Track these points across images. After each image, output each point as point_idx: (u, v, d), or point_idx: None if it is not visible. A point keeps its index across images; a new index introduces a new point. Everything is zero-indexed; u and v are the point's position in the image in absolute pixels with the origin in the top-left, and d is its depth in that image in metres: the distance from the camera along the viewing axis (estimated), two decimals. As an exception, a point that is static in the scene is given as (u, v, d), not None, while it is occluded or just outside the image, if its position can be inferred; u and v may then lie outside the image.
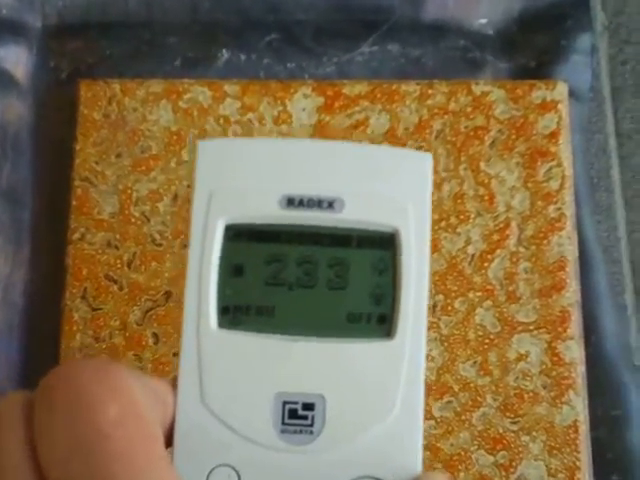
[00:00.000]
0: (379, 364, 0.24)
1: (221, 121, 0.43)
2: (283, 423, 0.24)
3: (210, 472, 0.24)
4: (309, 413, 0.24)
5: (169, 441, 0.24)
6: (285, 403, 0.24)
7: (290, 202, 0.25)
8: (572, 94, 0.43)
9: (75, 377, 0.21)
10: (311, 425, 0.24)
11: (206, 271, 0.25)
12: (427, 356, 0.39)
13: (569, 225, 0.40)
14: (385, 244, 0.25)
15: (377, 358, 0.24)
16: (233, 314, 0.25)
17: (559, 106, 0.41)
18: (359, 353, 0.24)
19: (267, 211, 0.25)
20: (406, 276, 0.25)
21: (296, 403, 0.24)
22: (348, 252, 0.25)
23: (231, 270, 0.25)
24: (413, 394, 0.24)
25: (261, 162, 0.25)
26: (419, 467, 0.24)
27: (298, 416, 0.24)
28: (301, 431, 0.24)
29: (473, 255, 0.40)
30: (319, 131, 0.42)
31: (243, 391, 0.24)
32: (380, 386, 0.24)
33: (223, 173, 0.25)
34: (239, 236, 0.25)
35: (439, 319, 0.40)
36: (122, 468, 0.19)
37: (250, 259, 0.25)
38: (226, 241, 0.25)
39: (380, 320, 0.25)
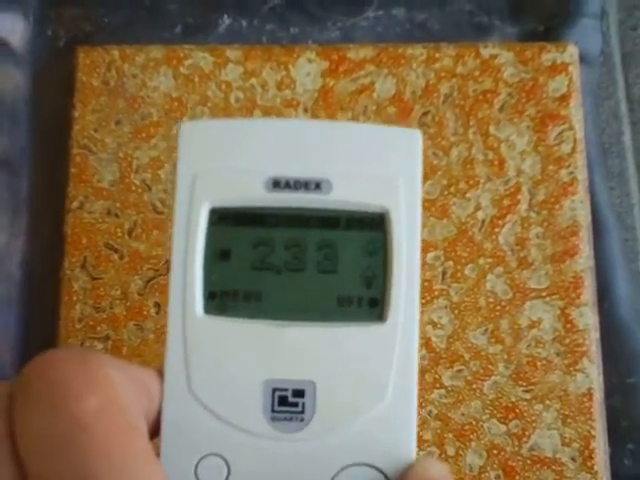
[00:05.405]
0: (371, 348, 0.24)
1: (223, 87, 0.42)
2: (273, 410, 0.23)
3: (199, 462, 0.23)
4: (299, 400, 0.23)
5: (156, 432, 0.23)
6: (275, 390, 0.23)
7: (276, 184, 0.24)
8: (582, 59, 0.42)
9: (53, 368, 0.20)
10: (302, 412, 0.23)
11: (191, 256, 0.24)
12: (437, 324, 0.38)
13: (581, 189, 0.39)
14: (375, 225, 0.24)
15: (368, 342, 0.24)
16: (220, 300, 0.24)
17: (570, 68, 0.40)
18: (350, 337, 0.24)
19: (253, 194, 0.24)
20: (397, 257, 0.24)
21: (286, 390, 0.23)
22: (337, 234, 0.24)
23: (217, 255, 0.24)
24: (406, 379, 0.24)
25: (245, 143, 0.24)
26: (413, 453, 0.24)
27: (288, 403, 0.23)
28: (291, 418, 0.23)
29: (483, 221, 0.39)
30: (323, 96, 0.41)
31: (231, 379, 0.23)
32: (372, 371, 0.24)
33: (206, 155, 0.24)
34: (224, 220, 0.24)
35: (449, 286, 0.39)
36: (101, 461, 0.19)
37: (236, 243, 0.24)
38: (211, 225, 0.24)
39: (371, 303, 0.24)
